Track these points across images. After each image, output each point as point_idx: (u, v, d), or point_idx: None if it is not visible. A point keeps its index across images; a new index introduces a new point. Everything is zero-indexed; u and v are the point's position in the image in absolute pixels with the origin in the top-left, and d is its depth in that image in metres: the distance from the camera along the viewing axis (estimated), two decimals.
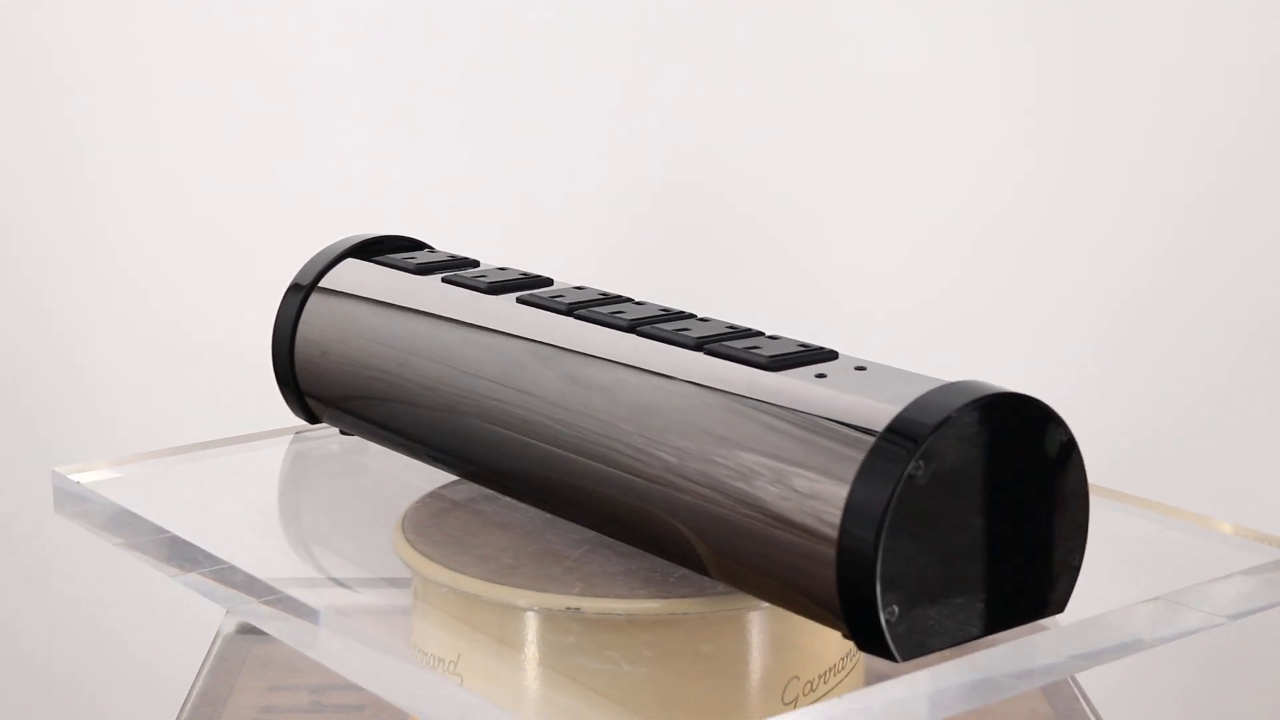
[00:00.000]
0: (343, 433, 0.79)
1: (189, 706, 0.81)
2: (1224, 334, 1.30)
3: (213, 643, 0.88)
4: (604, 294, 0.71)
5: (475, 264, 0.77)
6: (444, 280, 0.74)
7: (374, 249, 0.80)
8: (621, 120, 1.27)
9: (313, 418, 0.78)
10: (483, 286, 0.73)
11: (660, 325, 0.65)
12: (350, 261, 0.78)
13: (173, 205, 1.28)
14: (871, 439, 0.55)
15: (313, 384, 0.77)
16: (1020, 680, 0.59)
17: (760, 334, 0.64)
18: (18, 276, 1.29)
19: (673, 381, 0.62)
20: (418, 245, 0.81)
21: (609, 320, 0.67)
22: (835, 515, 0.55)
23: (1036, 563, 0.58)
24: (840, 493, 0.55)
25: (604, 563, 0.65)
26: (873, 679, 0.67)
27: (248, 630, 0.88)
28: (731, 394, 0.60)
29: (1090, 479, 0.59)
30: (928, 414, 0.55)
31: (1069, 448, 0.58)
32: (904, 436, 0.54)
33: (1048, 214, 1.30)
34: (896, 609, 0.54)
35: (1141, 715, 1.30)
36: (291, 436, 0.83)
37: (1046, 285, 1.30)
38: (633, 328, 0.66)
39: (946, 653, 0.57)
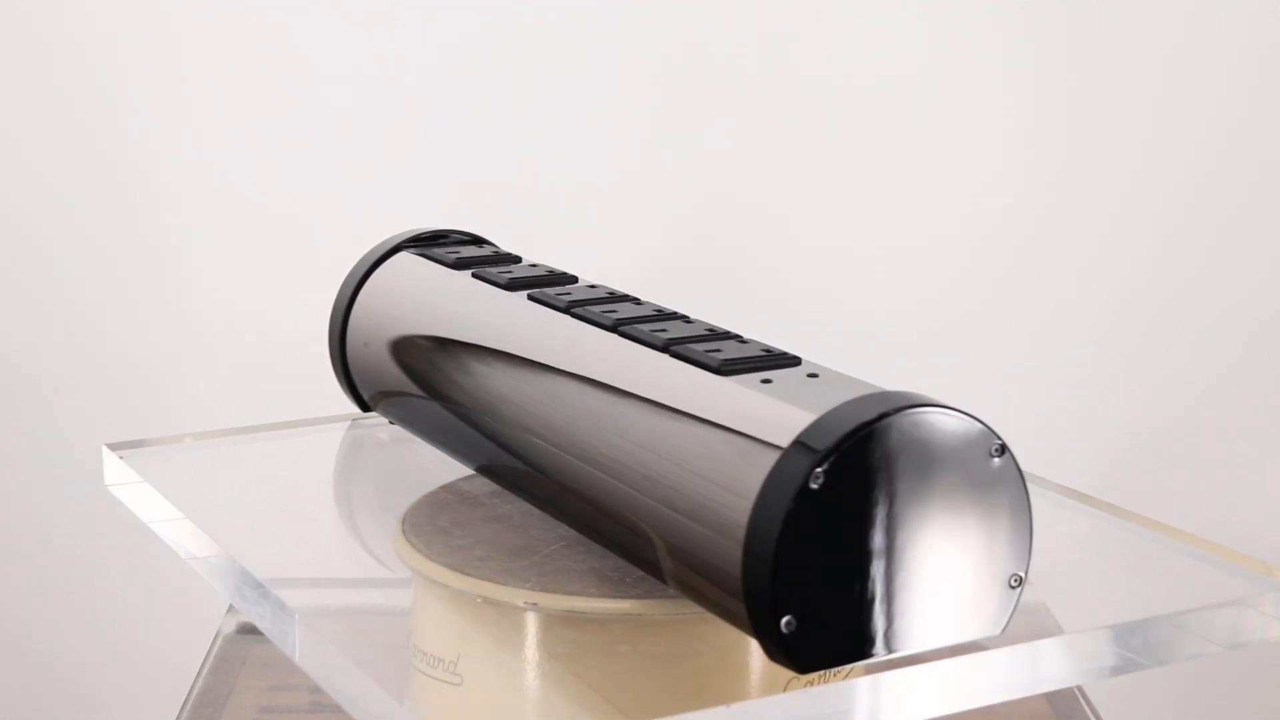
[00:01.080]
0: (391, 422, 0.80)
1: (189, 706, 0.81)
2: (1224, 334, 1.30)
3: (213, 643, 0.88)
4: (611, 293, 0.71)
5: (516, 260, 0.78)
6: (473, 275, 0.75)
7: (432, 242, 0.81)
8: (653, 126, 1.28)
9: (366, 406, 0.80)
10: (502, 282, 0.73)
11: (641, 325, 0.65)
12: (403, 254, 0.80)
13: (253, 194, 1.29)
14: (780, 449, 0.54)
15: (359, 374, 0.79)
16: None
17: (734, 338, 0.64)
18: (82, 263, 1.29)
19: (626, 380, 0.63)
20: (475, 240, 0.82)
21: (597, 319, 0.67)
22: (741, 526, 0.54)
23: (969, 581, 0.56)
24: (747, 503, 0.54)
25: (572, 560, 0.65)
26: None
27: (248, 630, 0.88)
28: (672, 396, 0.60)
29: (1091, 484, 0.58)
30: (838, 424, 0.53)
31: (1004, 465, 0.56)
32: (807, 447, 0.53)
33: (1047, 216, 1.30)
34: (795, 620, 0.53)
35: (1142, 715, 1.30)
36: (349, 424, 0.85)
37: (1046, 286, 1.30)
38: (615, 326, 0.66)
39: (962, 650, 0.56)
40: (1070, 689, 0.89)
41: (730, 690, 0.63)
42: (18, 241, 1.29)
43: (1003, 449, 0.55)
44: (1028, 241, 1.29)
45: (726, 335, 0.64)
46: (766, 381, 0.59)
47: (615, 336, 0.65)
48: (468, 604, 0.64)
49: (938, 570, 0.55)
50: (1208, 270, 1.28)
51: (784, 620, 0.53)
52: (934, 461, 0.55)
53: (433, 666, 0.65)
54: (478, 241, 0.82)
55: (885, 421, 0.54)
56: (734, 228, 1.30)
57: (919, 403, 0.54)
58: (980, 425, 0.55)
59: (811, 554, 0.53)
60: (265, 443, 0.84)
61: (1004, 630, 0.57)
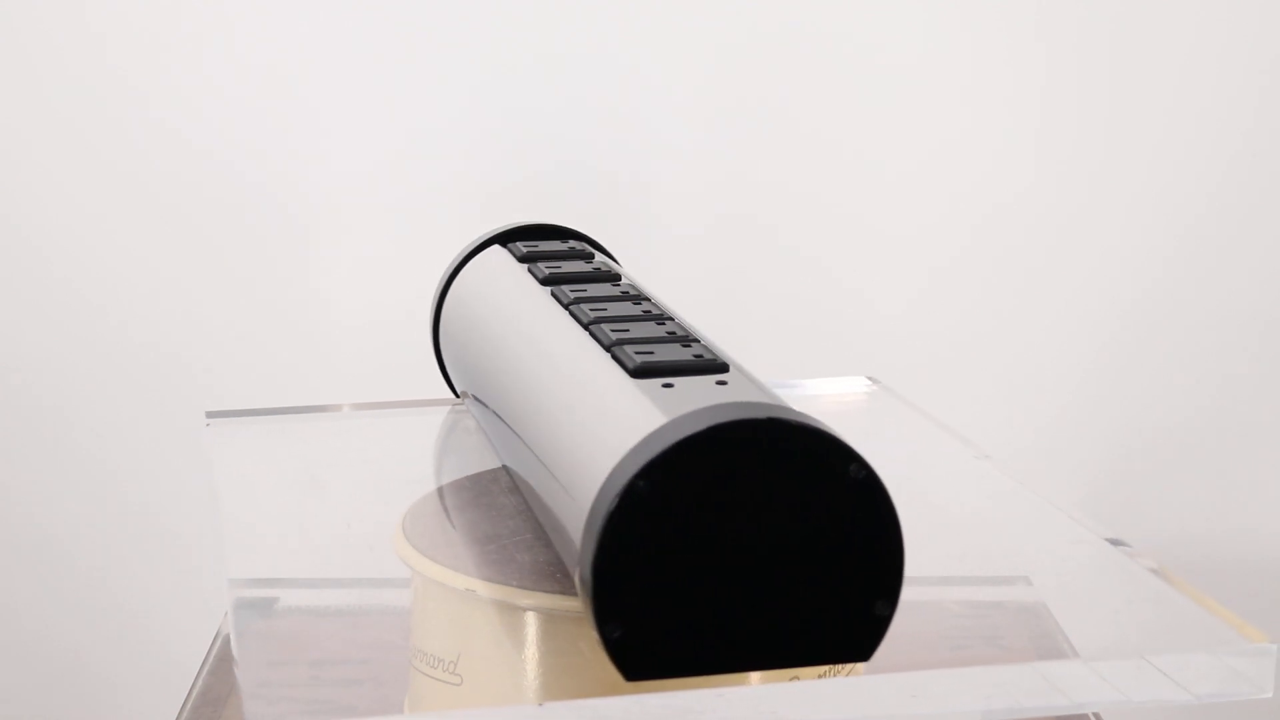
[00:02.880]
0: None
1: (189, 706, 0.81)
2: (1229, 337, 1.30)
3: (213, 642, 0.88)
4: (626, 292, 0.71)
5: (589, 257, 0.78)
6: (527, 270, 0.76)
7: (526, 235, 0.82)
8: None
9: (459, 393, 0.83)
10: (541, 276, 0.74)
11: (612, 325, 0.65)
12: (495, 248, 0.81)
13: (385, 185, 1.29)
14: (620, 455, 0.54)
15: (446, 362, 0.82)
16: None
17: (688, 341, 0.63)
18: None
19: (554, 379, 0.64)
20: (569, 234, 0.83)
21: (581, 315, 0.67)
22: (579, 530, 0.54)
23: (824, 604, 0.54)
24: (585, 508, 0.54)
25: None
26: None
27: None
28: (579, 397, 0.60)
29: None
30: (676, 431, 0.52)
31: (868, 489, 0.53)
32: (638, 453, 0.52)
33: (1051, 218, 1.30)
34: (622, 629, 0.53)
35: (1142, 714, 1.30)
36: (448, 409, 0.87)
37: (1050, 288, 1.30)
38: (589, 324, 0.66)
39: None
40: None
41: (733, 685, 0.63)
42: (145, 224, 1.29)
43: (863, 468, 0.53)
44: (1030, 243, 1.29)
45: (681, 339, 0.63)
46: (668, 386, 0.58)
47: (584, 334, 0.66)
48: (468, 604, 0.64)
49: (787, 589, 0.53)
50: (1213, 273, 1.28)
51: (611, 625, 0.53)
52: (782, 476, 0.53)
53: (433, 666, 0.65)
54: (574, 236, 0.83)
55: (720, 431, 0.52)
56: (731, 226, 1.30)
57: (767, 416, 0.53)
58: (839, 443, 0.53)
59: (641, 562, 0.52)
60: (350, 421, 0.88)
61: (870, 658, 0.55)
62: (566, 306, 0.70)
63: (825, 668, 0.65)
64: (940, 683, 0.56)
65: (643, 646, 0.53)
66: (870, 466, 0.53)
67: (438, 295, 0.82)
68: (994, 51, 1.27)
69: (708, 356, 0.61)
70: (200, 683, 0.84)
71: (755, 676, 0.58)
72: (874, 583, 0.54)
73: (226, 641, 0.88)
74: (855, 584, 0.54)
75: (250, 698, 0.60)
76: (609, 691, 0.57)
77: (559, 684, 0.62)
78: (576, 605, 0.60)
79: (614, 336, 0.64)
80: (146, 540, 1.31)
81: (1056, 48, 1.26)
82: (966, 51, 1.27)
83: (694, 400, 0.55)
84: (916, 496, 0.76)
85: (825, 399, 0.89)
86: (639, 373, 0.60)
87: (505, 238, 0.82)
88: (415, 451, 0.85)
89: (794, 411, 0.54)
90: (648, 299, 0.70)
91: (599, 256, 0.80)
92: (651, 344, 0.63)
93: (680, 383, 0.58)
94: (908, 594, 0.71)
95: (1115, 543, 0.69)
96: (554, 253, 0.79)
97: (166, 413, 1.30)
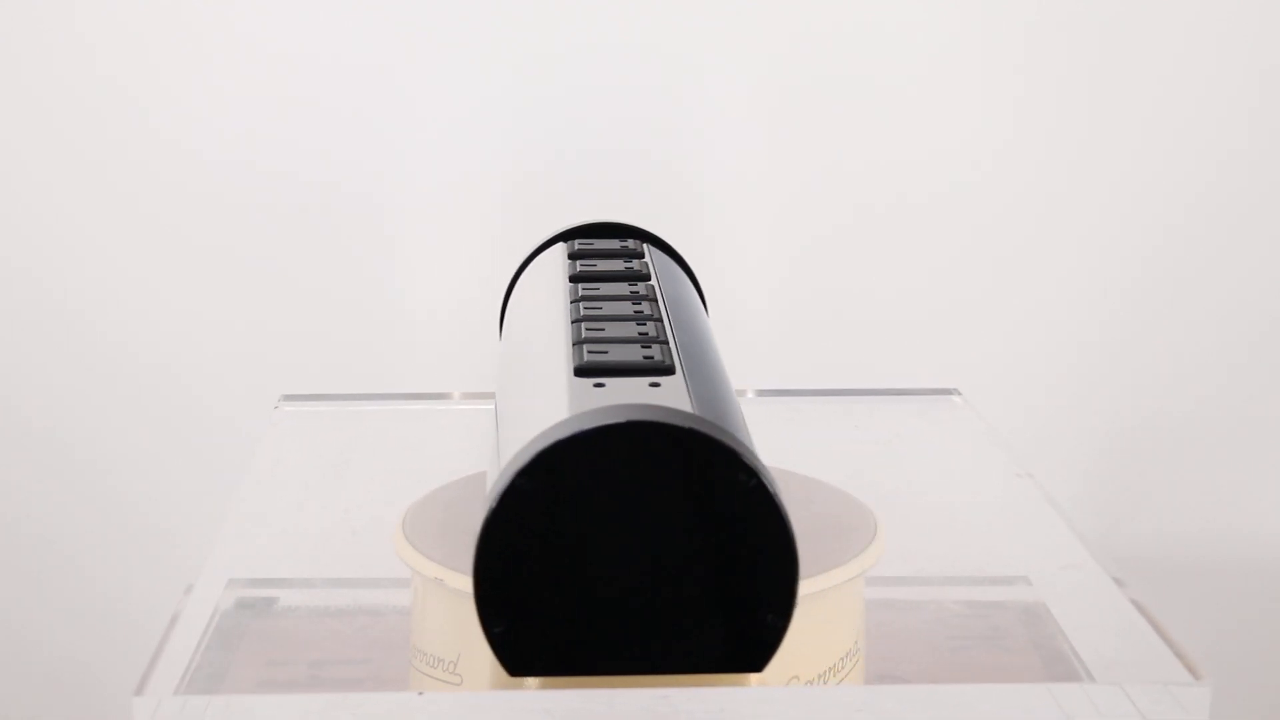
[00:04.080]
0: None
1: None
2: (1227, 326, 1.30)
3: (209, 622, 0.88)
4: (636, 293, 0.70)
5: (631, 257, 0.78)
6: (566, 267, 0.76)
7: (589, 232, 0.82)
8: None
9: None
10: (573, 274, 0.74)
11: (587, 324, 0.65)
12: (560, 245, 0.81)
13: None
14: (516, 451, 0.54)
15: None
16: None
17: (653, 344, 0.63)
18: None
19: (518, 375, 0.64)
20: (636, 234, 0.82)
21: (571, 314, 0.68)
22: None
23: (714, 613, 0.53)
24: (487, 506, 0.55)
25: None
26: (873, 679, 0.67)
27: (247, 605, 0.88)
28: (524, 395, 0.61)
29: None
30: (561, 430, 0.52)
31: (758, 498, 0.52)
32: (526, 451, 0.53)
33: (1039, 207, 1.30)
34: (505, 624, 0.53)
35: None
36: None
37: (1038, 276, 1.30)
38: (575, 320, 0.66)
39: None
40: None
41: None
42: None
43: (753, 477, 0.52)
44: (1019, 232, 1.29)
45: (647, 341, 0.63)
46: (599, 385, 0.58)
47: (564, 332, 0.66)
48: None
49: (674, 595, 0.53)
50: (1206, 262, 1.28)
51: (495, 620, 0.53)
52: (668, 481, 0.52)
53: (433, 666, 0.65)
54: (630, 236, 0.82)
55: (603, 433, 0.52)
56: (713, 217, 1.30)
57: (653, 419, 0.52)
58: (729, 451, 0.52)
59: (524, 559, 0.53)
60: (400, 409, 0.90)
61: (763, 669, 0.54)
62: (573, 302, 0.70)
63: (824, 668, 0.65)
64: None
65: (527, 643, 0.53)
66: (762, 476, 0.52)
67: (505, 292, 0.83)
68: (982, 49, 1.27)
69: (659, 359, 0.60)
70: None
71: (755, 677, 0.58)
72: (765, 594, 0.53)
73: (224, 617, 0.89)
74: (746, 594, 0.53)
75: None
76: (607, 688, 0.57)
77: (558, 683, 0.62)
78: None
79: (585, 335, 0.64)
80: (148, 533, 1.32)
81: (1039, 43, 1.26)
82: (953, 46, 1.27)
83: (608, 401, 0.55)
84: (917, 498, 0.76)
85: (883, 409, 0.89)
86: (579, 371, 0.60)
87: (573, 235, 0.82)
88: (436, 447, 0.85)
89: (688, 417, 0.53)
90: (654, 301, 0.70)
91: (650, 258, 0.79)
92: (614, 344, 0.62)
93: (613, 383, 0.58)
94: (908, 594, 0.71)
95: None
96: (599, 251, 0.79)
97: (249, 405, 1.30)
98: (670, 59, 1.27)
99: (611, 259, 0.77)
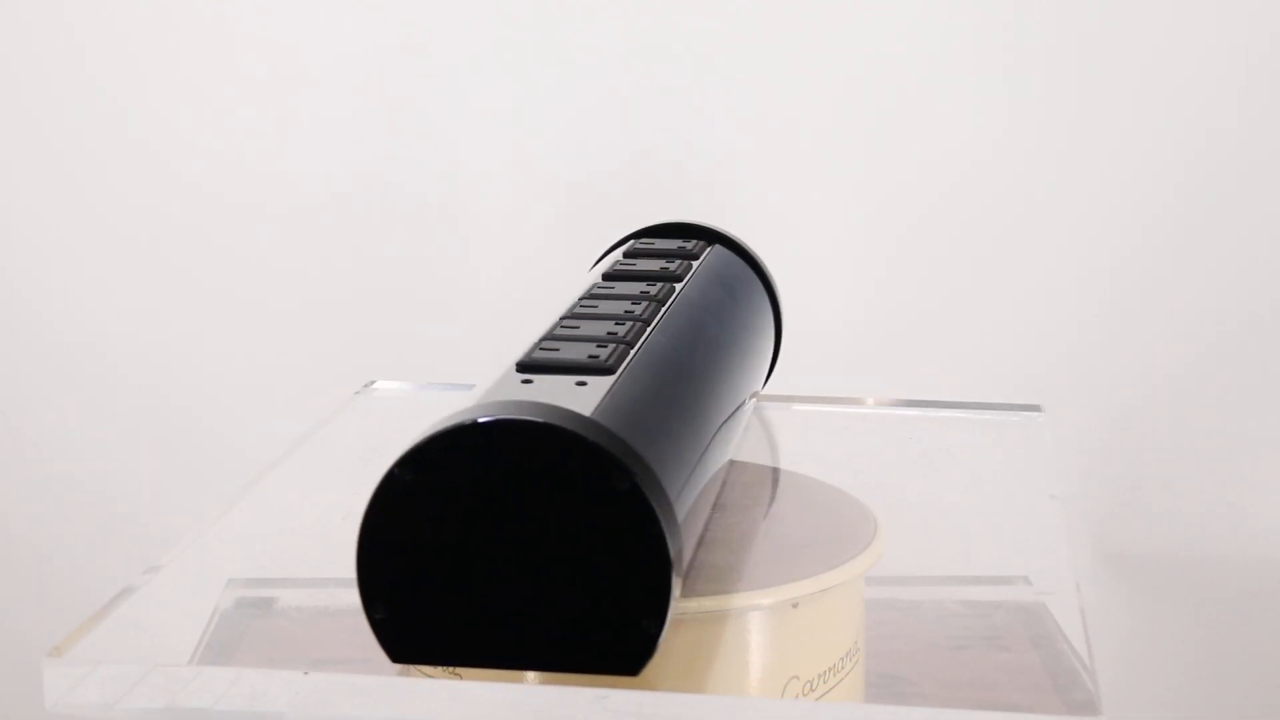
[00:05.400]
0: None
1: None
2: (1221, 328, 1.30)
3: (209, 622, 0.88)
4: (644, 293, 0.70)
5: (677, 258, 0.77)
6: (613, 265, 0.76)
7: (663, 232, 0.82)
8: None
9: None
10: (606, 271, 0.74)
11: (568, 320, 0.66)
12: (633, 243, 0.81)
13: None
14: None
15: None
16: None
17: (616, 344, 0.62)
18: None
19: (489, 371, 0.64)
20: (711, 236, 0.81)
21: (567, 310, 0.68)
22: None
23: (589, 614, 0.53)
24: None
25: None
26: (873, 679, 0.67)
27: (247, 605, 0.88)
28: (479, 389, 0.60)
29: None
30: (442, 424, 0.53)
31: (632, 502, 0.52)
32: (407, 443, 0.53)
33: (1028, 200, 1.30)
34: (385, 611, 0.54)
35: (1141, 715, 1.30)
36: None
37: (1037, 276, 1.30)
38: (563, 317, 0.66)
39: None
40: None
41: (728, 688, 0.63)
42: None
43: (627, 480, 0.52)
44: (1007, 228, 1.29)
45: (609, 341, 0.63)
46: (527, 382, 0.58)
47: (546, 325, 0.66)
48: None
49: (550, 593, 0.53)
50: (1206, 262, 1.28)
51: (376, 607, 0.54)
52: (543, 480, 0.53)
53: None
54: (688, 235, 0.81)
55: (476, 427, 0.52)
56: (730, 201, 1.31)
57: (529, 418, 0.53)
58: (604, 454, 0.52)
59: (403, 548, 0.53)
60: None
61: (638, 673, 0.54)
62: (582, 299, 0.70)
63: (823, 668, 0.65)
64: None
65: (407, 631, 0.54)
66: (637, 480, 0.52)
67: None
68: (970, 44, 1.27)
69: (604, 360, 0.60)
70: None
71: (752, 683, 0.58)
72: (640, 598, 0.53)
73: (223, 618, 0.89)
74: (620, 597, 0.53)
75: None
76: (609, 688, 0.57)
77: (557, 681, 0.62)
78: (737, 604, 0.61)
79: (555, 330, 0.64)
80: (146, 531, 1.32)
81: (1028, 37, 1.26)
82: (952, 36, 1.27)
83: (523, 396, 0.55)
84: (922, 501, 0.76)
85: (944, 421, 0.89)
86: (519, 366, 0.60)
87: (653, 233, 0.82)
88: None
89: (573, 417, 0.53)
90: (660, 303, 0.69)
91: (704, 262, 0.77)
92: (573, 342, 0.62)
93: (541, 380, 0.58)
94: (908, 594, 0.71)
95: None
96: (652, 250, 0.78)
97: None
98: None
99: (657, 259, 0.77)
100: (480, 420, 0.53)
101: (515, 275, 1.31)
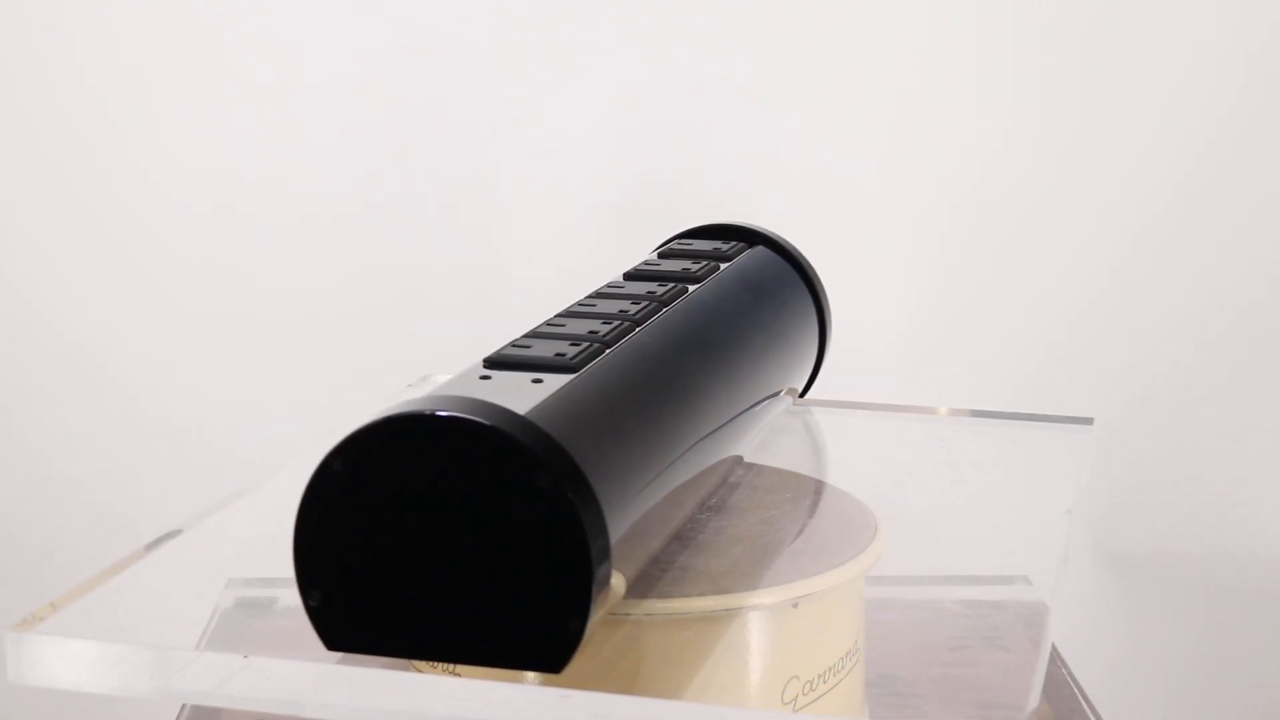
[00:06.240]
0: None
1: (189, 706, 0.81)
2: (1220, 328, 1.30)
3: (208, 623, 0.88)
4: (651, 293, 0.70)
5: (704, 259, 0.76)
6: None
7: (708, 233, 0.81)
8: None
9: None
10: (627, 271, 0.74)
11: (557, 318, 0.66)
12: (672, 243, 0.81)
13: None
14: None
15: None
16: None
17: (588, 344, 0.62)
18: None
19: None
20: (729, 233, 0.81)
21: (569, 308, 0.68)
22: None
23: (513, 609, 0.53)
24: None
25: None
26: (872, 679, 0.68)
27: (246, 604, 0.88)
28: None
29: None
30: (375, 416, 0.54)
31: (554, 500, 0.52)
32: (344, 434, 0.54)
33: (1026, 201, 1.30)
34: (320, 597, 0.54)
35: (1141, 714, 1.30)
36: None
37: (1036, 275, 1.30)
38: (560, 312, 0.67)
39: None
40: (1070, 689, 0.89)
41: (728, 687, 0.63)
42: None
43: (549, 478, 0.52)
44: (1010, 219, 1.30)
45: (583, 340, 0.63)
46: (485, 378, 0.59)
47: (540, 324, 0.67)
48: None
49: (474, 587, 0.53)
50: (1205, 262, 1.29)
51: (311, 593, 0.55)
52: (466, 476, 0.53)
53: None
54: (728, 236, 0.81)
55: (401, 419, 0.53)
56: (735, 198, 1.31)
57: (452, 413, 0.53)
58: (527, 451, 0.52)
59: (337, 536, 0.54)
60: None
61: (562, 670, 0.54)
62: (590, 296, 0.70)
63: (823, 668, 0.65)
64: None
65: (340, 618, 0.54)
66: (559, 478, 0.52)
67: None
68: (970, 45, 1.27)
69: (571, 358, 0.60)
70: None
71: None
72: (562, 596, 0.53)
73: (224, 618, 0.89)
74: (543, 594, 0.53)
75: None
76: (608, 688, 0.57)
77: (557, 681, 0.62)
78: (737, 604, 0.61)
79: (539, 328, 0.64)
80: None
81: (1028, 40, 1.27)
82: (944, 46, 1.27)
83: (461, 392, 0.56)
84: (928, 506, 0.76)
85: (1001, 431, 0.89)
86: (487, 362, 0.61)
87: (701, 234, 0.81)
88: None
89: (500, 413, 0.53)
90: (665, 304, 0.69)
91: (734, 265, 0.77)
92: (551, 340, 0.63)
93: (500, 376, 0.59)
94: (908, 594, 0.71)
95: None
96: (684, 251, 0.78)
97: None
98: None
99: (685, 259, 0.76)
100: (404, 413, 0.53)
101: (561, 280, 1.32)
